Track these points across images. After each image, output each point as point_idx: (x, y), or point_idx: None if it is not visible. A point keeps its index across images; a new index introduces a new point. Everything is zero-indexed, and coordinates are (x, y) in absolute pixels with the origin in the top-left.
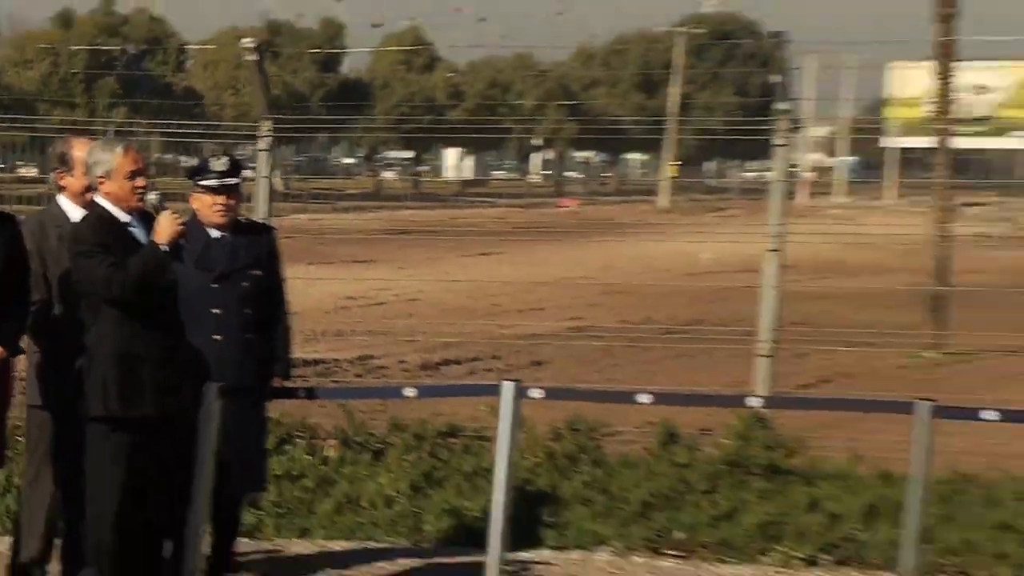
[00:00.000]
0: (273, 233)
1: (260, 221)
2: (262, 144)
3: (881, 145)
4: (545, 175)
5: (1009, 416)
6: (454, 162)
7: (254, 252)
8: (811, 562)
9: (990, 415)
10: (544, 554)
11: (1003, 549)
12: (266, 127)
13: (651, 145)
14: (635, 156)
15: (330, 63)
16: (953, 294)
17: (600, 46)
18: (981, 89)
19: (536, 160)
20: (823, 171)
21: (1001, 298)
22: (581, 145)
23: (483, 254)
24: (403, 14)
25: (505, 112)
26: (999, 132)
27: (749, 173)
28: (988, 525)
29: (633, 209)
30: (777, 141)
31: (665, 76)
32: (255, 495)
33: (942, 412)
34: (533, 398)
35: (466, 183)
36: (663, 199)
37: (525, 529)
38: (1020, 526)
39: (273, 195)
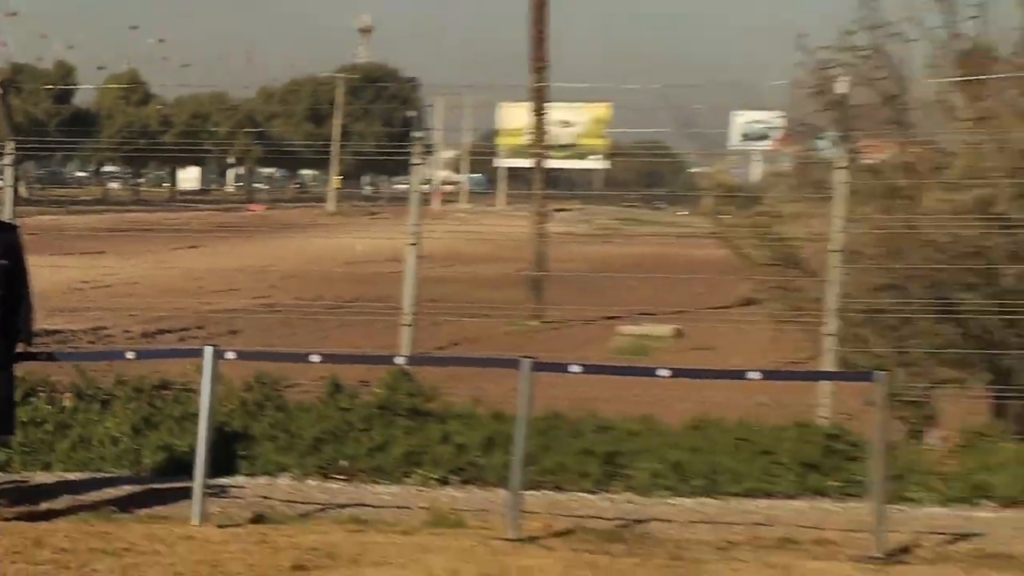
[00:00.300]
0: (18, 230)
1: (7, 221)
2: (7, 160)
3: (495, 165)
4: (238, 186)
5: (589, 369)
6: (185, 175)
7: (2, 246)
8: (443, 481)
9: (575, 368)
10: (239, 479)
11: (586, 469)
12: (11, 147)
13: (320, 163)
14: (308, 172)
15: (64, 97)
16: (549, 278)
17: (279, 87)
18: (566, 124)
19: (231, 175)
20: (452, 184)
21: (583, 281)
22: (266, 163)
23: (191, 247)
24: (123, 58)
25: (206, 137)
26: (580, 156)
27: (396, 185)
28: (575, 451)
29: (307, 213)
30: (414, 161)
31: (329, 111)
32: (5, 438)
33: (540, 367)
34: (228, 359)
35: (187, 192)
36: (330, 205)
37: (224, 461)
38: (598, 451)
39: (18, 200)
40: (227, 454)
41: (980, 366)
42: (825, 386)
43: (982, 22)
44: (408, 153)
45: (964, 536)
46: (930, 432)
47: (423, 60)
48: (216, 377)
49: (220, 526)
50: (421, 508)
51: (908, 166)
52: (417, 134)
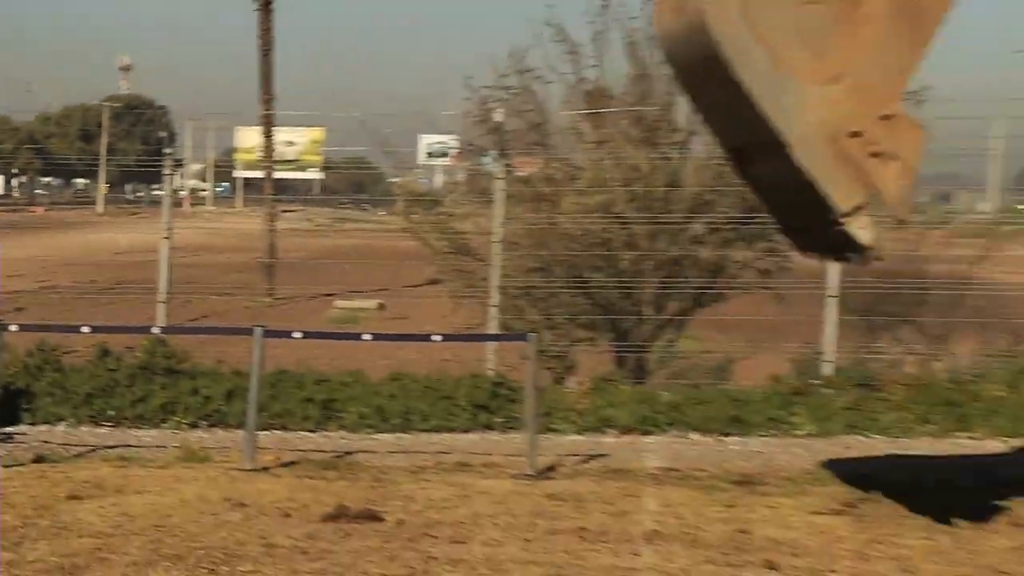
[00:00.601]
0: None
1: None
2: None
3: (234, 175)
4: (23, 192)
5: (309, 335)
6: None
7: None
8: (193, 426)
9: (297, 335)
10: (22, 428)
11: (307, 413)
12: None
13: (91, 174)
14: (81, 180)
15: None
16: (278, 264)
17: (55, 112)
18: (289, 143)
19: (16, 183)
20: (201, 190)
21: (306, 267)
22: (45, 174)
23: None
24: None
25: None
26: (301, 168)
27: (155, 191)
28: (298, 399)
29: (81, 214)
30: (166, 172)
31: (98, 131)
32: None
33: (270, 333)
34: (12, 331)
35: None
36: (100, 207)
37: (9, 413)
38: (317, 399)
39: None
40: (12, 408)
41: (605, 328)
42: (491, 345)
43: (600, 70)
44: (162, 165)
45: (595, 456)
46: (569, 379)
47: (176, 92)
48: (2, 346)
49: (6, 466)
50: (175, 447)
51: (550, 177)
52: (168, 151)
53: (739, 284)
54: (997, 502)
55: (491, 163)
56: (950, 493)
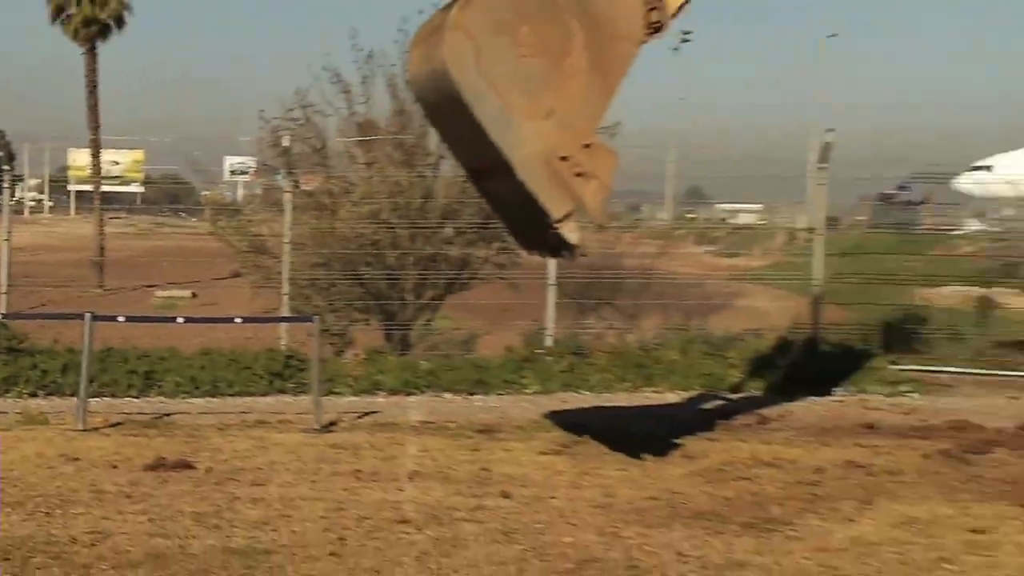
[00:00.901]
0: None
1: None
2: None
3: (69, 189)
4: None
5: (131, 319)
6: None
7: None
8: (33, 395)
9: (121, 319)
10: None
11: (131, 382)
12: None
13: None
14: None
15: None
16: (107, 261)
17: None
18: (115, 162)
19: None
20: (39, 201)
21: (131, 263)
22: None
23: None
24: None
25: None
26: (125, 183)
27: None
28: (124, 371)
29: None
30: (5, 186)
31: None
32: None
33: (98, 318)
34: None
35: None
36: None
37: None
38: (139, 371)
39: None
40: None
41: (376, 311)
42: (284, 326)
43: (368, 106)
44: (1, 180)
45: (368, 413)
46: (347, 351)
47: (14, 119)
48: None
49: None
50: (17, 413)
51: (329, 191)
52: (6, 167)
53: (481, 275)
54: (674, 440)
55: (282, 179)
56: (640, 434)
